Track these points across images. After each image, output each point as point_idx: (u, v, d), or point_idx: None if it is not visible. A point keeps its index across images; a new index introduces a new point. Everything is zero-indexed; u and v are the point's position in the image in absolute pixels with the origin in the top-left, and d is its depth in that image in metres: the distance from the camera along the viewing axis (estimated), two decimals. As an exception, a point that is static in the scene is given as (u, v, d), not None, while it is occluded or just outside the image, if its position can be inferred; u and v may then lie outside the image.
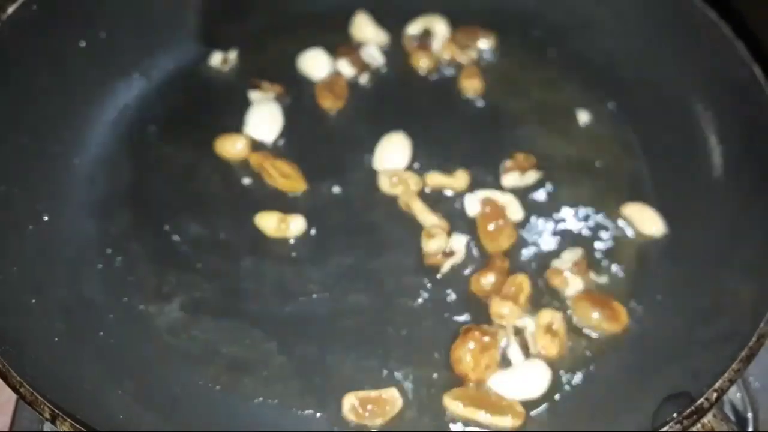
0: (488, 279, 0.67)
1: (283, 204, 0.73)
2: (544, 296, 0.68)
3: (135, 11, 0.76)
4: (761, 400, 0.65)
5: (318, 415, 0.63)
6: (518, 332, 0.65)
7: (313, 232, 0.71)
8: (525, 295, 0.67)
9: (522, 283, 0.68)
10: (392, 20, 0.84)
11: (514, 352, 0.65)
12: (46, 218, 0.68)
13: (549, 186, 0.74)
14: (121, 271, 0.69)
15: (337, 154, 0.76)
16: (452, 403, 0.62)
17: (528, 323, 0.66)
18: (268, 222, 0.71)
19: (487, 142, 0.77)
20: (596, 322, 0.66)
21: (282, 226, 0.71)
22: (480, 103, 0.80)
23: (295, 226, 0.71)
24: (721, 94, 0.70)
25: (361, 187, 0.74)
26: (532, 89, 0.81)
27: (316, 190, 0.74)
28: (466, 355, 0.63)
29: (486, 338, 0.64)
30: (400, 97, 0.80)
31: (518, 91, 0.81)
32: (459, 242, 0.70)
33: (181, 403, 0.63)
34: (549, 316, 0.66)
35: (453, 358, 0.64)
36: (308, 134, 0.77)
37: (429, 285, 0.69)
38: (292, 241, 0.71)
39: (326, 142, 0.77)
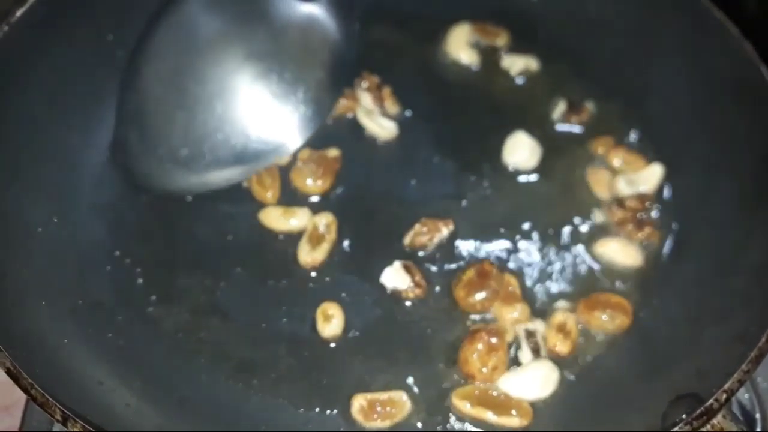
0: (480, 294, 0.67)
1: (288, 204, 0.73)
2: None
3: (141, 14, 0.76)
4: (770, 400, 0.65)
5: (326, 414, 0.63)
6: (530, 335, 0.65)
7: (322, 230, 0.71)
8: (517, 289, 0.68)
9: (508, 278, 0.68)
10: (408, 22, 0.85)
11: (525, 353, 0.65)
12: (55, 220, 0.68)
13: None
14: (130, 273, 0.69)
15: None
16: (460, 403, 0.62)
17: (538, 325, 0.66)
18: (272, 215, 0.72)
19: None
20: (605, 323, 0.66)
21: (287, 218, 0.71)
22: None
23: (301, 219, 0.71)
24: (727, 95, 0.70)
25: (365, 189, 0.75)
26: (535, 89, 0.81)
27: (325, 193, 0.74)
28: (474, 356, 0.64)
29: (494, 339, 0.64)
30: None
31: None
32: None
33: (190, 404, 0.63)
34: (562, 316, 0.66)
35: (460, 359, 0.64)
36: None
37: (437, 287, 0.69)
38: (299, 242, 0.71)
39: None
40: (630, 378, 0.63)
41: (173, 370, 0.64)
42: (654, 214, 0.72)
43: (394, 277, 0.68)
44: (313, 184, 0.73)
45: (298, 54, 0.76)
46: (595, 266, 0.70)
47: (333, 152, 0.75)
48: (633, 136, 0.77)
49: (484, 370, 0.63)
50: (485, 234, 0.72)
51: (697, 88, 0.73)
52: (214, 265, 0.70)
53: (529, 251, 0.71)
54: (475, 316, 0.67)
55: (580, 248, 0.71)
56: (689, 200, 0.72)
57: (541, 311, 0.68)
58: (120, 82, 0.75)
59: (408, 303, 0.68)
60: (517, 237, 0.72)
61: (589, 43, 0.81)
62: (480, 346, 0.64)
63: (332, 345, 0.66)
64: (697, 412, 0.53)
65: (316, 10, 0.76)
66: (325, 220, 0.71)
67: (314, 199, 0.74)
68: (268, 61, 0.75)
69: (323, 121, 0.77)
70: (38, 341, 0.60)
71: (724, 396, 0.53)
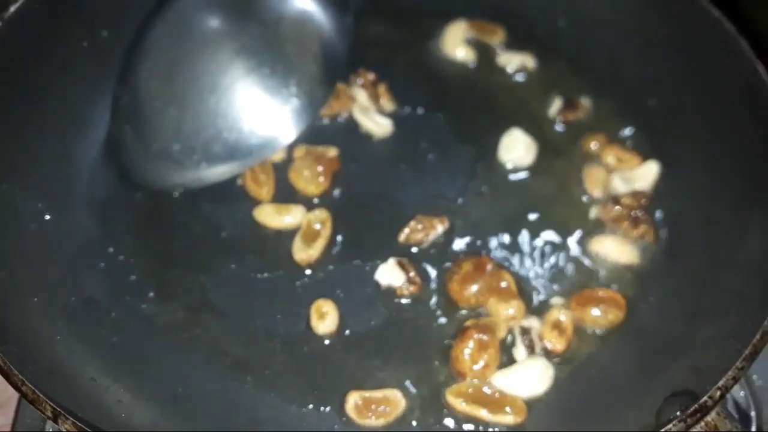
0: (474, 287, 0.67)
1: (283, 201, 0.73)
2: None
3: (136, 10, 0.76)
4: (764, 398, 0.65)
5: (320, 411, 0.63)
6: (525, 332, 0.65)
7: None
8: (512, 285, 0.67)
9: (504, 274, 0.68)
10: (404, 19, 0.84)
11: (519, 351, 0.65)
12: (48, 217, 0.68)
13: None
14: (123, 270, 0.69)
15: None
16: (454, 401, 0.62)
17: (533, 322, 0.66)
18: (267, 212, 0.72)
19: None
20: (599, 318, 0.66)
21: (282, 215, 0.71)
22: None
23: (295, 216, 0.71)
24: (724, 93, 0.70)
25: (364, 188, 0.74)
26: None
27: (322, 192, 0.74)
28: (464, 353, 0.63)
29: (485, 336, 0.64)
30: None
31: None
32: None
33: (183, 402, 0.62)
34: (557, 313, 0.66)
35: (452, 356, 0.64)
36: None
37: (432, 284, 0.69)
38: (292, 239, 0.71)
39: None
40: (625, 375, 0.63)
41: (167, 367, 0.64)
42: (649, 211, 0.72)
43: (389, 274, 0.68)
44: (313, 185, 0.73)
45: (290, 48, 0.76)
46: (591, 264, 0.70)
47: (331, 152, 0.75)
48: (629, 134, 0.77)
49: (475, 367, 0.63)
50: (480, 231, 0.71)
51: (694, 85, 0.73)
52: (209, 262, 0.70)
53: (525, 249, 0.71)
54: (470, 313, 0.67)
55: (575, 246, 0.71)
56: (685, 198, 0.71)
57: (536, 308, 0.67)
58: (115, 79, 0.74)
59: (402, 300, 0.68)
60: (513, 234, 0.71)
61: (586, 41, 0.81)
62: (471, 343, 0.63)
63: (326, 342, 0.66)
64: (692, 409, 0.52)
65: (308, 4, 0.76)
66: (319, 217, 0.71)
67: (313, 202, 0.73)
68: (260, 55, 0.75)
69: (316, 115, 0.76)
70: (30, 338, 0.60)
71: (719, 393, 0.53)
